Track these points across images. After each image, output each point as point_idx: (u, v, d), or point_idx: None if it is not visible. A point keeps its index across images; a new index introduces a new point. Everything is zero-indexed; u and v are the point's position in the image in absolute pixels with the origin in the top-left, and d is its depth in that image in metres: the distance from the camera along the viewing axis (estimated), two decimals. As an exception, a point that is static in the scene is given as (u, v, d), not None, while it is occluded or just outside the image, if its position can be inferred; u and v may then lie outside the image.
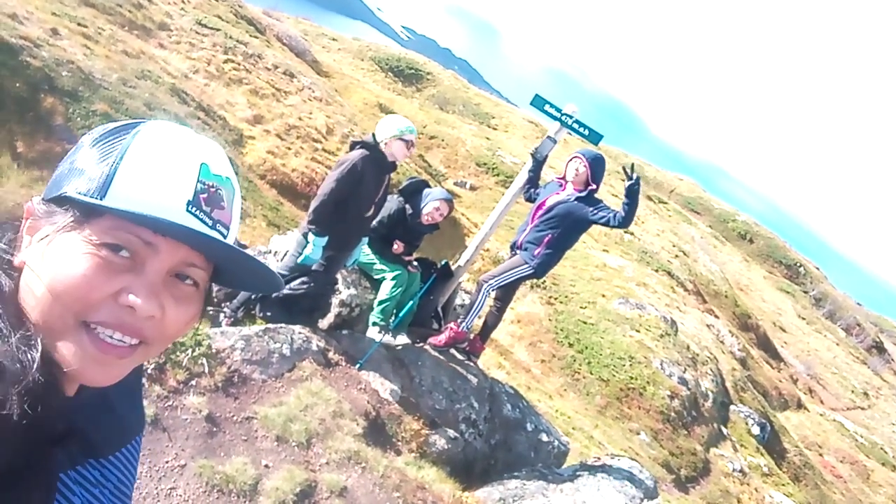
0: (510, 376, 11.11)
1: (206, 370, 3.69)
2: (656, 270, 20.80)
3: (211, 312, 4.89)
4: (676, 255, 24.02)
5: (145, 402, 3.26)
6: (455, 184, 19.46)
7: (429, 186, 5.39)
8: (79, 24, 10.10)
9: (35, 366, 0.69)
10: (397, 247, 5.26)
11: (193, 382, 3.58)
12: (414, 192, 5.20)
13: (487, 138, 22.76)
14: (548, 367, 14.29)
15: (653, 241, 24.08)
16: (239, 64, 13.69)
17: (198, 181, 0.78)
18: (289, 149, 12.73)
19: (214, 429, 3.46)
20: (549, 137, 5.28)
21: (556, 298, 16.00)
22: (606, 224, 4.76)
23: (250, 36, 15.59)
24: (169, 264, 0.76)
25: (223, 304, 4.87)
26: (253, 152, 12.02)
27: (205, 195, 0.78)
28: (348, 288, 5.24)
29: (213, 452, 3.34)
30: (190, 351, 3.67)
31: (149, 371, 3.43)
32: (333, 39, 23.80)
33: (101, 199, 0.73)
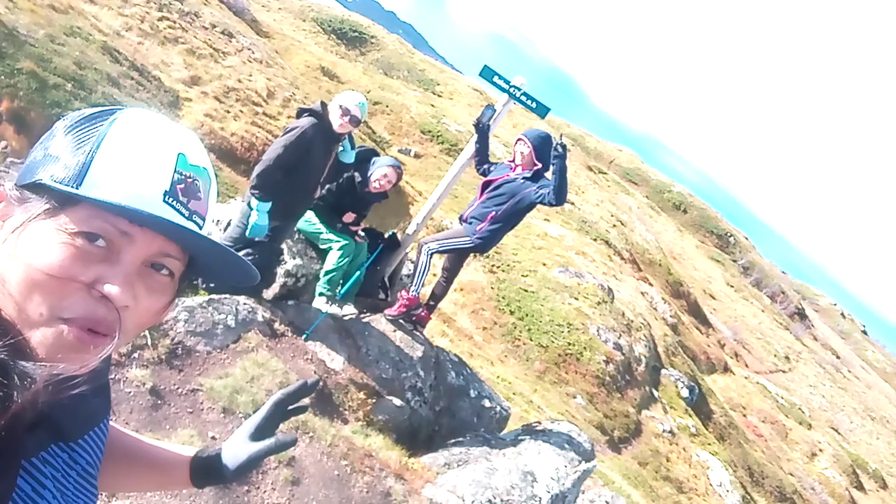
0: (453, 344, 11.29)
1: (149, 342, 3.63)
2: (595, 240, 21.34)
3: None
4: (614, 225, 24.66)
5: (87, 376, 3.20)
6: (399, 151, 19.33)
7: (377, 155, 5.36)
8: (-2, -26, 9.42)
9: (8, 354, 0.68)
10: (348, 216, 5.24)
11: (136, 355, 3.53)
12: (362, 160, 5.17)
13: (432, 105, 22.60)
14: (489, 334, 14.58)
15: (592, 211, 24.63)
16: (174, 22, 13.11)
17: (175, 171, 0.78)
18: (227, 112, 12.34)
19: (159, 401, 3.43)
20: (488, 106, 5.33)
21: (498, 267, 16.26)
22: (542, 202, 4.88)
23: (185, -8, 14.88)
24: (145, 254, 0.76)
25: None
26: (190, 115, 11.60)
27: (182, 186, 0.78)
28: (294, 258, 5.20)
29: (158, 425, 3.32)
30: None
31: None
32: (273, -3, 23.04)
33: (77, 188, 0.72)
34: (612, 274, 19.99)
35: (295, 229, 5.10)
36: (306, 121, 4.37)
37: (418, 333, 5.51)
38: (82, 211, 0.72)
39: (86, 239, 0.72)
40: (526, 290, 15.60)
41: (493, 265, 16.29)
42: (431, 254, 5.20)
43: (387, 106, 19.81)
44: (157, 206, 0.75)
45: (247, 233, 4.44)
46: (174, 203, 0.77)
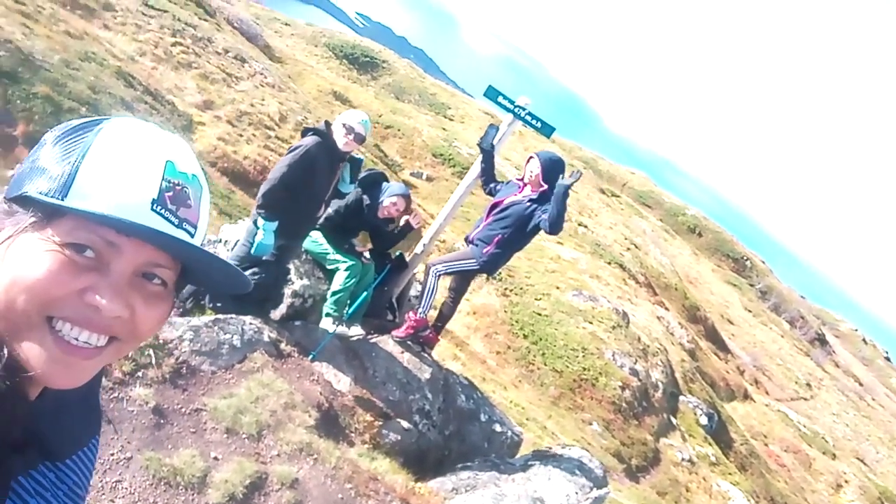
0: (465, 367, 11.15)
1: (154, 361, 3.58)
2: (609, 263, 21.16)
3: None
4: (628, 248, 24.49)
5: (87, 395, 3.14)
6: (411, 174, 19.39)
7: (387, 180, 5.34)
8: (16, 2, 9.63)
9: None
10: (361, 246, 5.25)
11: (140, 374, 3.47)
12: (372, 184, 5.15)
13: (444, 129, 22.72)
14: (503, 358, 14.41)
15: (606, 234, 24.49)
16: (188, 47, 13.31)
17: (163, 179, 0.76)
18: (240, 136, 12.45)
19: (162, 421, 3.36)
20: (491, 126, 5.30)
21: (511, 290, 16.13)
22: (541, 226, 4.81)
23: (199, 18, 15.16)
24: (134, 265, 0.75)
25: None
26: (203, 139, 11.71)
27: (170, 193, 0.76)
28: (301, 278, 5.15)
29: (160, 445, 3.25)
30: (135, 342, 3.54)
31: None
32: (286, 24, 23.33)
33: (62, 199, 0.71)
34: (627, 298, 19.78)
35: (302, 249, 5.06)
36: (310, 140, 4.35)
37: (426, 355, 5.41)
38: (69, 222, 0.72)
39: (74, 250, 0.71)
40: (539, 314, 15.44)
41: (506, 288, 16.17)
42: (439, 275, 5.14)
43: (398, 130, 19.93)
44: (145, 214, 0.73)
45: (252, 251, 4.41)
46: (162, 211, 0.75)
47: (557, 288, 16.81)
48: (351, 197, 5.03)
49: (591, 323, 15.65)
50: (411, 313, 5.34)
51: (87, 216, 0.71)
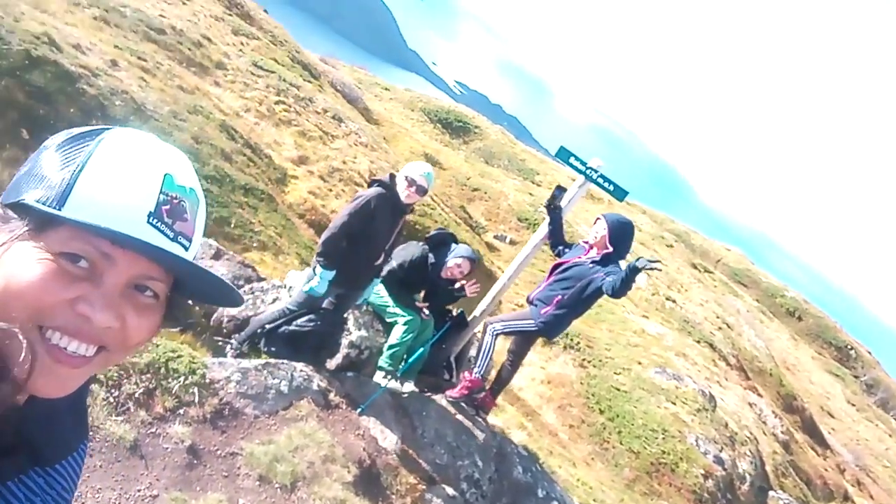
0: (532, 438, 10.68)
1: (197, 400, 3.59)
2: (698, 341, 20.05)
3: (220, 343, 4.83)
4: (720, 328, 23.17)
5: (127, 426, 3.16)
6: (495, 237, 19.38)
7: (456, 241, 5.31)
8: (138, 58, 10.56)
9: None
10: (423, 305, 5.20)
11: (181, 411, 3.48)
12: (440, 243, 5.14)
13: (531, 194, 22.71)
14: (576, 432, 13.73)
15: (696, 311, 23.33)
16: (290, 106, 14.08)
17: (160, 192, 0.77)
18: (330, 190, 12.89)
19: (195, 461, 3.33)
20: (559, 187, 5.18)
21: (589, 361, 15.52)
22: (604, 290, 4.59)
23: (304, 80, 16.09)
24: (127, 277, 0.76)
25: (232, 337, 4.80)
26: (295, 191, 12.20)
27: (167, 207, 0.77)
28: (359, 329, 5.12)
29: (189, 485, 3.21)
30: (182, 378, 3.58)
31: (137, 395, 3.34)
32: (386, 89, 24.40)
33: (59, 209, 0.72)
34: (716, 380, 18.56)
35: (364, 301, 5.04)
36: (373, 190, 4.39)
37: (480, 419, 5.20)
38: (64, 232, 0.72)
39: (68, 260, 0.72)
40: (618, 389, 14.72)
41: (583, 359, 15.59)
42: (496, 335, 4.98)
43: (485, 193, 20.10)
44: (141, 227, 0.74)
45: (304, 290, 4.43)
46: (159, 224, 0.76)
47: (639, 363, 16.03)
48: (417, 253, 5.02)
49: (673, 403, 14.74)
50: (466, 373, 5.17)
51: (83, 227, 0.71)
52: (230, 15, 16.95)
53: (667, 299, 22.34)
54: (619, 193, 5.14)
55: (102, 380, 3.21)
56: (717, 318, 24.35)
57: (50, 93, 7.76)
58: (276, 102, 13.84)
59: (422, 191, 4.47)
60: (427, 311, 5.28)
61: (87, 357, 0.75)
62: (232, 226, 9.17)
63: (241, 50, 14.94)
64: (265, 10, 20.41)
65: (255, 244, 9.32)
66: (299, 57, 17.95)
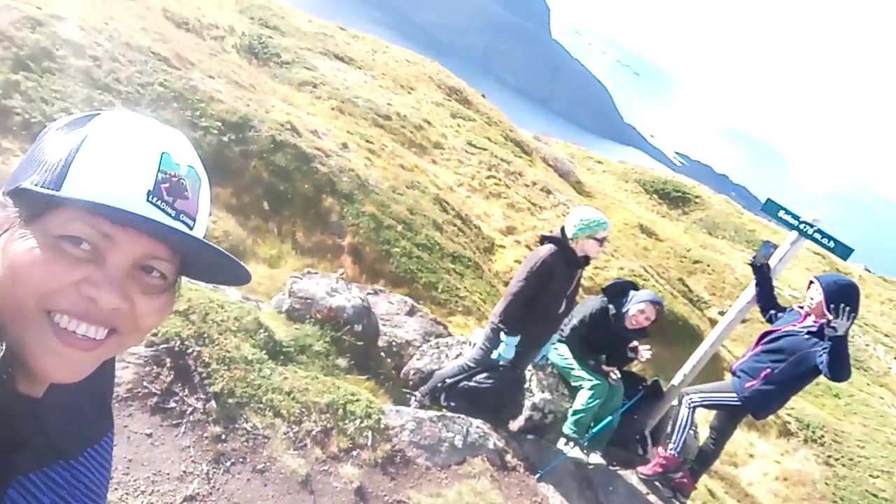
0: (755, 541, 9.25)
1: (370, 443, 3.68)
2: None
3: (406, 395, 4.97)
4: None
5: (302, 461, 3.34)
6: (719, 313, 17.77)
7: (636, 288, 4.96)
8: (366, 141, 11.80)
9: None
10: (612, 374, 4.89)
11: (354, 453, 3.59)
12: (619, 293, 4.83)
13: (762, 268, 20.67)
14: (819, 543, 11.67)
15: None
16: (500, 180, 14.62)
17: (158, 170, 0.75)
18: (536, 260, 12.96)
19: (361, 503, 3.38)
20: (766, 242, 4.57)
21: (837, 459, 13.22)
22: (819, 370, 3.87)
23: (515, 156, 16.67)
24: (131, 257, 0.74)
25: (419, 390, 4.91)
26: (501, 260, 12.48)
27: (166, 185, 0.76)
28: (543, 392, 4.93)
29: (353, 528, 3.25)
30: (358, 421, 3.71)
31: (314, 432, 3.52)
32: (599, 162, 24.27)
33: (56, 191, 0.72)
34: None
35: (543, 359, 4.88)
36: (546, 249, 4.27)
37: (677, 503, 4.62)
38: (64, 214, 0.71)
39: (70, 242, 0.71)
40: (875, 496, 12.27)
41: (829, 456, 13.32)
42: (693, 407, 4.45)
43: (708, 265, 18.69)
44: (140, 205, 0.73)
45: (492, 357, 4.39)
46: (158, 202, 0.74)
47: (904, 468, 13.31)
48: (596, 306, 4.76)
49: (952, 521, 11.91)
50: (661, 449, 4.67)
51: (79, 205, 0.70)
52: (450, 101, 18.36)
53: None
54: (843, 251, 4.41)
55: (285, 415, 3.45)
56: None
57: (289, 171, 8.96)
58: (488, 177, 14.48)
59: (604, 242, 4.31)
60: (616, 376, 4.93)
61: (98, 340, 0.74)
62: (439, 290, 9.60)
63: (457, 131, 16.02)
64: (483, 95, 21.78)
65: (459, 308, 9.62)
66: (512, 135, 18.72)
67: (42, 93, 6.86)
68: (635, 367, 5.75)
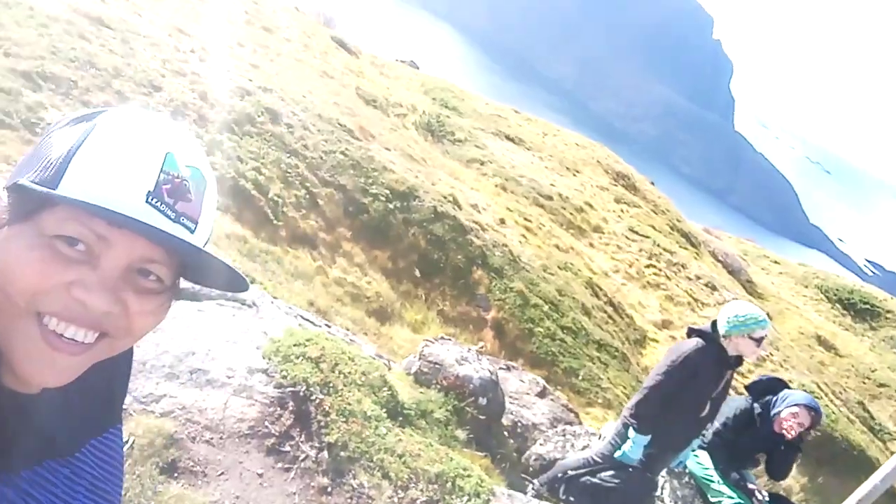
0: None
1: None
2: None
3: (524, 480, 4.77)
4: None
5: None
6: (909, 448, 15.31)
7: (787, 387, 4.42)
8: (525, 219, 11.95)
9: None
10: (758, 494, 4.35)
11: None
12: (766, 391, 4.33)
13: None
14: None
15: None
16: (660, 270, 14.02)
17: (161, 171, 0.72)
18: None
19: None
20: None
21: None
22: None
23: (680, 247, 15.94)
24: (126, 260, 0.72)
25: (538, 478, 4.71)
26: (652, 354, 11.81)
27: (168, 186, 0.72)
28: (676, 503, 4.49)
29: None
30: (466, 498, 3.60)
31: (419, 501, 3.47)
32: (775, 262, 22.41)
33: (53, 188, 0.69)
34: None
35: (680, 465, 4.45)
36: (691, 344, 3.94)
37: None
38: (60, 213, 0.69)
39: (64, 242, 0.69)
40: None
41: None
42: None
43: (895, 391, 16.32)
44: (139, 207, 0.70)
45: (616, 455, 4.10)
46: (158, 204, 0.71)
47: None
48: (740, 406, 4.29)
49: None
50: None
51: (75, 205, 0.68)
52: (616, 185, 18.15)
53: None
54: None
55: (393, 478, 3.43)
56: None
57: (445, 241, 9.28)
58: (647, 266, 13.95)
59: (762, 343, 3.91)
60: (763, 497, 4.36)
61: (86, 344, 0.72)
62: (580, 378, 9.24)
63: (619, 216, 15.72)
64: (652, 182, 21.29)
65: (599, 400, 9.16)
66: (679, 225, 17.99)
67: (239, 152, 7.80)
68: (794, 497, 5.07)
